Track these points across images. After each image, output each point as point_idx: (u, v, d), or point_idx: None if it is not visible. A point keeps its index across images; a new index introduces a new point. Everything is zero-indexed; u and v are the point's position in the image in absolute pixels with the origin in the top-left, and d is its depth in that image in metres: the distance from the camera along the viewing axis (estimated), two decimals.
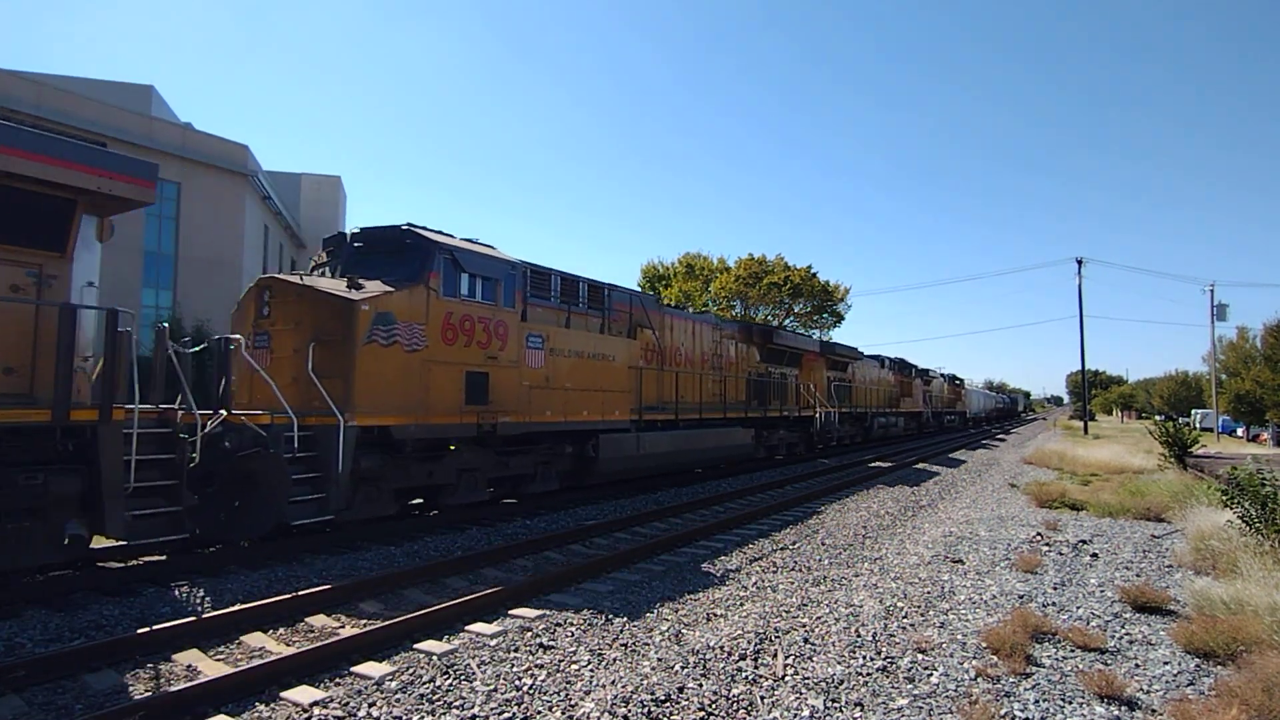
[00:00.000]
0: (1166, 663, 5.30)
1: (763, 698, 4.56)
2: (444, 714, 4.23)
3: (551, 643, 5.46)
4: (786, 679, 4.86)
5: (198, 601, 6.28)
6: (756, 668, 5.03)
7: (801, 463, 21.20)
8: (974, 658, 5.28)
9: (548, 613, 6.18)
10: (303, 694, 4.43)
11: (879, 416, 30.87)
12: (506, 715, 4.22)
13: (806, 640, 5.61)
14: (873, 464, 21.32)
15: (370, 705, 4.30)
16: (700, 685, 4.68)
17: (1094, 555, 9.00)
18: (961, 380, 56.45)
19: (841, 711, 4.39)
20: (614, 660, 5.16)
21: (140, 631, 5.24)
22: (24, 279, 5.92)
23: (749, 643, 5.47)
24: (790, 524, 10.90)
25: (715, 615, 6.30)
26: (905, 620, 6.21)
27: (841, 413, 24.93)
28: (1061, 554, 9.03)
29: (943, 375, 48.86)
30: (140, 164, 6.78)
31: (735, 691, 4.61)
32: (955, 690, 4.69)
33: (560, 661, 5.10)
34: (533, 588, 6.75)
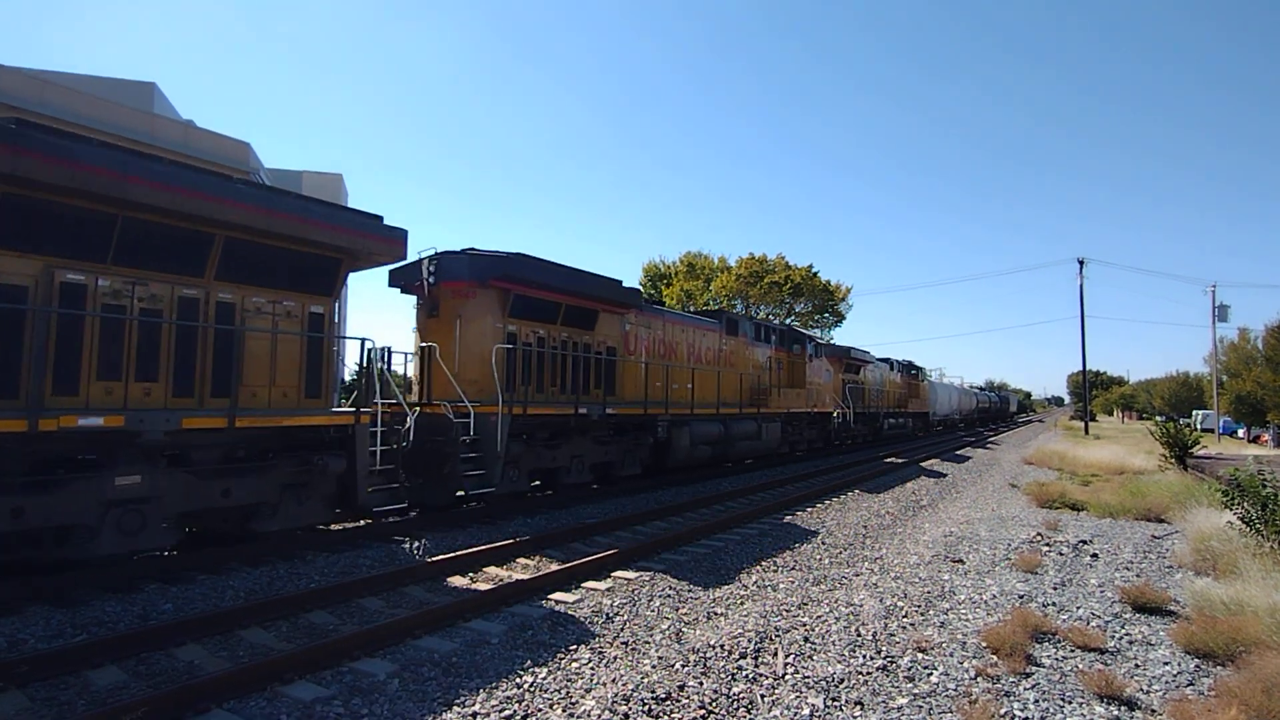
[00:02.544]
0: (1166, 663, 5.31)
1: (763, 696, 4.57)
2: (445, 711, 4.25)
3: (553, 640, 5.47)
4: (787, 677, 4.87)
5: (200, 598, 6.30)
6: (757, 666, 5.04)
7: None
8: (974, 657, 5.29)
9: (548, 610, 6.19)
10: (304, 690, 4.45)
11: (699, 422, 15.58)
12: (508, 713, 4.24)
13: (807, 639, 5.62)
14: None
15: (371, 702, 4.31)
16: (701, 683, 4.69)
17: (1094, 555, 9.01)
18: (920, 370, 40.03)
19: (841, 710, 4.40)
20: (615, 658, 5.17)
21: (142, 628, 5.25)
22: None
23: (749, 641, 5.48)
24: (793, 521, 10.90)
25: (716, 614, 6.31)
26: (905, 619, 6.22)
27: (554, 414, 11.47)
28: (1062, 554, 9.03)
29: (885, 360, 33.87)
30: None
31: (735, 690, 4.62)
32: (955, 689, 4.70)
33: (561, 659, 5.11)
34: (533, 585, 6.76)
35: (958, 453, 27.09)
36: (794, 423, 21.57)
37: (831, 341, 34.02)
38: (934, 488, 16.08)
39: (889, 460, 21.95)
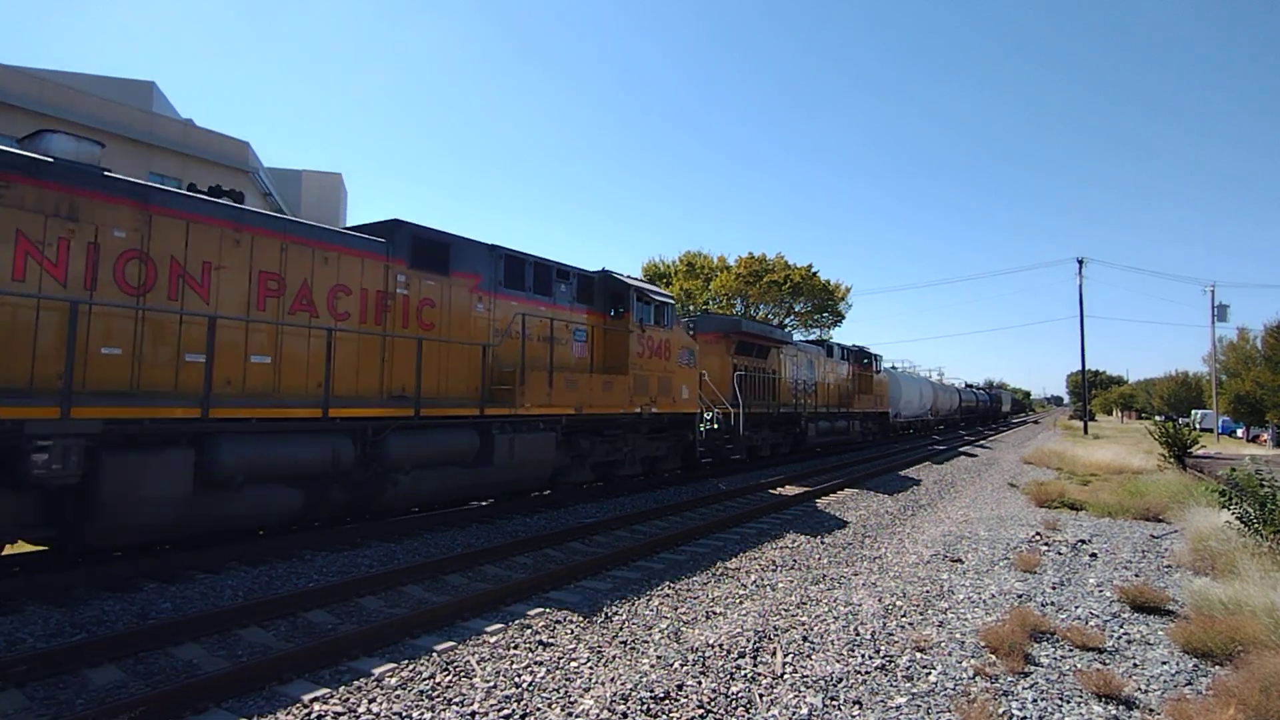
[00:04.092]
0: (1164, 662, 5.31)
1: (761, 695, 4.57)
2: (444, 710, 4.25)
3: (551, 640, 5.47)
4: (785, 677, 4.87)
5: (198, 597, 6.30)
6: (755, 666, 5.05)
7: None
8: (972, 656, 5.29)
9: (548, 610, 6.19)
10: (303, 690, 4.45)
11: (254, 439, 7.28)
12: (506, 712, 4.24)
13: (805, 638, 5.62)
14: None
15: (370, 701, 4.31)
16: (699, 683, 4.69)
17: (1093, 555, 9.01)
18: (875, 358, 30.15)
19: (840, 709, 4.40)
20: (613, 658, 5.17)
21: (141, 627, 5.25)
22: None
23: (748, 641, 5.48)
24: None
25: (714, 613, 6.31)
26: (904, 619, 6.22)
27: None
28: (1060, 553, 9.04)
29: (819, 344, 26.44)
30: None
31: (734, 689, 4.63)
32: (953, 689, 4.70)
33: (560, 658, 5.11)
34: (533, 585, 6.76)
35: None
36: (600, 432, 12.64)
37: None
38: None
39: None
